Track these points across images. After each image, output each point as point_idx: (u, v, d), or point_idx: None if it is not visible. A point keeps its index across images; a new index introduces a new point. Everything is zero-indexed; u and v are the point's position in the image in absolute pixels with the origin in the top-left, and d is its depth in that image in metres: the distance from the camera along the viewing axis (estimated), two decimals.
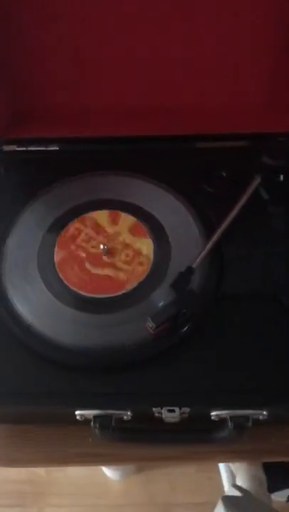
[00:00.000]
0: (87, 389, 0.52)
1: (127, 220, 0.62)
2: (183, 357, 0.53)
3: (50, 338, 0.54)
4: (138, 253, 0.59)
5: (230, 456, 0.60)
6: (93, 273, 0.58)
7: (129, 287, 0.57)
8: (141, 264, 0.58)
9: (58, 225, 0.63)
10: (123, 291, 0.57)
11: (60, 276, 0.58)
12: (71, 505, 1.23)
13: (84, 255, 0.60)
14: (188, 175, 0.66)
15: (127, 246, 0.60)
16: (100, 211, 0.63)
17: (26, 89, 0.71)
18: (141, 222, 0.62)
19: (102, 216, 0.63)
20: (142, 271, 0.58)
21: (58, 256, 0.60)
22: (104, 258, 0.60)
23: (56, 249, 0.60)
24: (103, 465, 0.60)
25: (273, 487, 0.85)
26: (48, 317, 0.56)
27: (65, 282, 0.57)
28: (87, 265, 0.59)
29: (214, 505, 1.16)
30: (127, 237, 0.61)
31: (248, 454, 0.59)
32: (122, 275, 0.58)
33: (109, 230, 0.62)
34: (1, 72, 0.68)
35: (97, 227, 0.62)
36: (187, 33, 0.65)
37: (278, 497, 0.91)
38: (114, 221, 0.62)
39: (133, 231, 0.61)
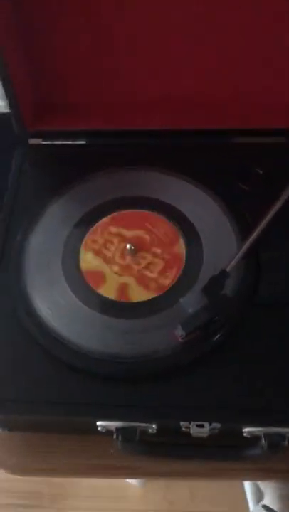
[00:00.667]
0: (111, 399, 0.49)
1: (162, 226, 0.59)
2: (214, 368, 0.50)
3: (72, 344, 0.52)
4: (166, 267, 0.56)
5: (260, 474, 0.56)
6: (113, 272, 0.56)
7: (140, 298, 0.54)
8: (165, 277, 0.55)
9: (85, 223, 0.60)
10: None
11: (81, 268, 0.56)
12: (88, 509, 1.21)
13: (113, 249, 0.58)
14: (223, 172, 0.62)
15: (157, 256, 0.57)
16: (159, 215, 0.60)
17: (53, 80, 0.68)
18: (175, 227, 0.58)
19: (162, 225, 0.60)
20: (162, 285, 0.55)
21: (89, 238, 0.58)
22: (128, 260, 0.57)
23: (91, 231, 0.58)
24: (125, 478, 0.57)
25: None
26: (71, 321, 0.53)
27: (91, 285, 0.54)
28: (111, 261, 0.57)
29: None
30: (162, 251, 0.57)
31: (280, 474, 0.55)
32: (137, 286, 0.55)
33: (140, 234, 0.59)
34: (26, 62, 0.65)
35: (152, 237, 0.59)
36: (225, 21, 0.61)
37: None
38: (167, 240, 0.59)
39: (165, 236, 0.58)
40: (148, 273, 0.55)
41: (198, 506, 1.20)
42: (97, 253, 0.57)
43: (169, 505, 1.21)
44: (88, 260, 0.57)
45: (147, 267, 0.56)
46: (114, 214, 0.60)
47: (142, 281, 0.55)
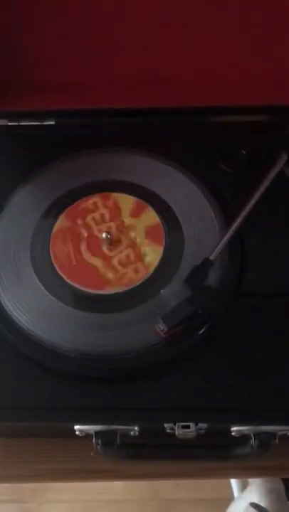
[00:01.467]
0: (88, 401, 0.46)
1: (150, 218, 0.55)
2: (199, 364, 0.47)
3: (44, 342, 0.48)
4: (139, 259, 0.52)
5: (250, 472, 0.53)
6: (83, 257, 0.52)
7: (108, 291, 0.50)
8: (136, 271, 0.51)
9: (55, 210, 0.56)
10: (116, 290, 0.50)
11: (51, 253, 0.52)
12: (71, 501, 1.20)
13: (85, 235, 0.54)
14: (203, 153, 0.58)
15: (133, 246, 0.53)
16: (127, 195, 0.56)
17: (19, 56, 0.63)
18: (163, 224, 0.54)
19: (127, 201, 0.56)
20: (131, 279, 0.51)
21: (58, 225, 0.54)
22: (104, 248, 0.53)
23: (62, 217, 0.54)
24: (109, 481, 0.54)
25: None
26: (42, 317, 0.49)
27: (58, 271, 0.51)
28: (82, 247, 0.53)
29: (218, 501, 1.14)
30: (139, 237, 0.54)
31: (270, 471, 0.52)
32: (109, 274, 0.51)
33: (126, 220, 0.55)
34: None
35: (115, 212, 0.55)
36: None
37: None
38: (135, 213, 0.55)
39: (149, 233, 0.54)
40: (125, 262, 0.52)
41: (183, 494, 1.20)
42: (69, 242, 0.53)
43: (153, 494, 1.20)
44: (59, 250, 0.53)
45: (124, 255, 0.52)
46: (87, 199, 0.56)
47: (119, 270, 0.51)
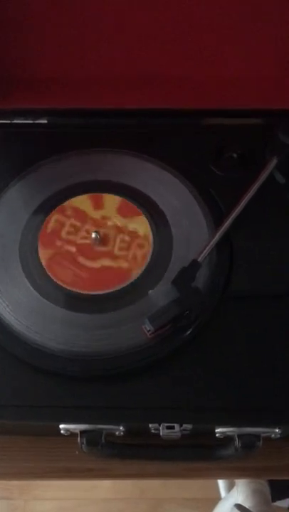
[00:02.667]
0: (73, 400, 0.46)
1: (111, 200, 0.55)
2: (185, 365, 0.47)
3: (30, 340, 0.48)
4: (134, 235, 0.52)
5: (235, 473, 0.54)
6: (90, 267, 0.52)
7: (135, 274, 0.50)
8: (141, 246, 0.52)
9: (45, 209, 0.55)
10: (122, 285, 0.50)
11: (50, 275, 0.51)
12: (58, 499, 1.19)
13: (74, 250, 0.53)
14: (194, 155, 0.58)
15: (119, 229, 0.53)
16: (79, 196, 0.56)
17: (11, 54, 0.63)
18: (127, 199, 0.55)
19: (83, 202, 0.56)
20: (143, 254, 0.51)
21: (44, 256, 0.52)
22: (98, 248, 0.53)
23: (40, 249, 0.53)
24: (95, 480, 0.54)
25: (274, 496, 0.79)
26: (30, 316, 0.49)
27: (54, 280, 0.51)
28: (81, 260, 0.52)
29: (205, 501, 1.14)
30: (117, 220, 0.54)
31: (254, 472, 0.53)
32: (123, 263, 0.51)
33: (95, 215, 0.55)
34: None
35: (82, 215, 0.55)
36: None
37: (280, 504, 0.86)
38: (97, 205, 0.55)
39: (122, 211, 0.54)
40: (114, 262, 0.52)
41: (170, 493, 1.20)
42: (59, 242, 0.53)
43: (141, 493, 1.20)
44: (49, 250, 0.53)
45: (113, 256, 0.52)
46: (78, 199, 0.56)
47: (108, 270, 0.51)
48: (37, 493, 1.20)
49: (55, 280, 0.51)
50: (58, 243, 0.53)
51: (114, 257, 0.52)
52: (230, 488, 0.90)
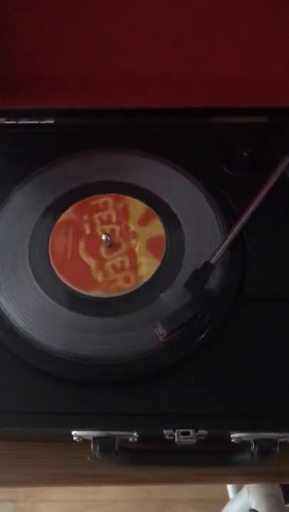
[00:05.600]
0: (86, 406, 0.45)
1: (155, 227, 0.53)
2: (199, 370, 0.46)
3: (41, 345, 0.47)
4: (133, 269, 0.51)
5: (248, 478, 0.52)
6: (79, 254, 0.51)
7: (95, 292, 0.49)
8: (126, 281, 0.50)
9: (54, 210, 0.55)
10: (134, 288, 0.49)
11: (61, 278, 0.50)
12: (65, 501, 1.19)
13: (88, 232, 0.52)
14: (205, 155, 0.58)
15: (130, 254, 0.52)
16: (89, 198, 0.55)
17: (17, 53, 0.62)
18: (138, 200, 0.54)
19: (93, 203, 0.55)
20: (119, 287, 0.50)
21: (54, 258, 0.52)
22: (101, 249, 0.52)
23: (50, 251, 0.52)
24: (106, 485, 0.53)
25: (287, 497, 0.78)
26: (39, 320, 0.48)
27: (65, 282, 0.50)
28: (81, 244, 0.52)
29: (213, 502, 1.13)
30: (129, 222, 0.53)
31: (269, 477, 0.52)
32: (99, 277, 0.50)
33: (105, 217, 0.54)
34: None
35: (92, 217, 0.54)
36: None
37: None
38: (108, 207, 0.55)
39: (133, 213, 0.54)
40: (125, 265, 0.51)
41: (177, 494, 1.19)
42: (69, 244, 0.52)
43: (148, 494, 1.19)
44: (59, 252, 0.52)
45: (124, 258, 0.52)
46: (87, 201, 0.55)
47: (109, 275, 0.51)
48: (43, 496, 1.19)
49: (65, 283, 0.50)
50: (68, 245, 0.52)
51: (126, 260, 0.51)
52: (238, 489, 0.90)
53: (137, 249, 0.52)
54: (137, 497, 1.19)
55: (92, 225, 0.54)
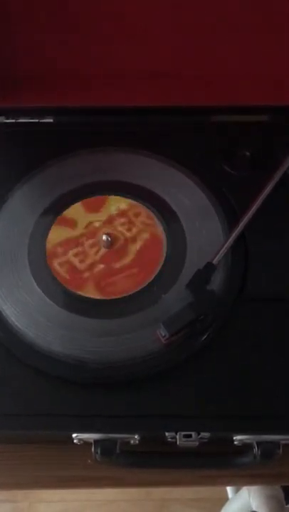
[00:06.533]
0: (87, 409, 0.44)
1: (122, 202, 0.54)
2: (201, 371, 0.45)
3: (41, 347, 0.46)
4: (134, 269, 0.50)
5: (250, 480, 0.52)
6: (78, 256, 0.51)
7: (148, 278, 0.49)
8: (127, 282, 0.49)
9: (54, 210, 0.54)
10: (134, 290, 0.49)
11: (60, 280, 0.50)
12: (63, 501, 1.19)
13: (84, 253, 0.52)
14: (206, 154, 0.57)
15: (131, 231, 0.52)
16: (88, 198, 0.55)
17: (16, 51, 0.61)
18: (138, 200, 0.54)
19: (93, 203, 0.55)
20: (156, 257, 0.50)
21: (53, 260, 0.51)
22: (109, 251, 0.52)
23: (49, 252, 0.52)
24: (107, 488, 0.53)
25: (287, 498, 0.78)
26: (39, 322, 0.48)
27: (65, 284, 0.49)
28: (92, 263, 0.51)
29: (212, 501, 1.13)
30: (129, 222, 0.53)
31: (270, 479, 0.51)
32: (135, 266, 0.50)
33: (105, 217, 0.54)
34: None
35: (92, 217, 0.54)
36: None
37: None
38: (107, 207, 0.54)
39: (134, 213, 0.54)
40: (126, 265, 0.51)
41: (176, 494, 1.19)
42: (69, 245, 0.52)
43: (146, 494, 1.19)
44: (58, 253, 0.51)
45: (124, 259, 0.51)
46: (87, 201, 0.55)
47: (119, 274, 0.50)
48: (42, 496, 1.19)
49: (65, 285, 0.49)
50: (68, 246, 0.52)
51: (126, 260, 0.51)
52: (237, 489, 0.89)
53: (137, 250, 0.51)
54: (136, 497, 1.19)
55: (92, 226, 0.53)
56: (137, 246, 0.52)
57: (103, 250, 0.52)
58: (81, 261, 0.51)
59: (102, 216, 0.54)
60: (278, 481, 0.57)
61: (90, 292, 0.49)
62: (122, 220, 0.53)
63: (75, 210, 0.54)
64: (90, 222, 0.53)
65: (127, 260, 0.51)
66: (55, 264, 0.51)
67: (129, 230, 0.53)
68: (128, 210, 0.54)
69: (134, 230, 0.52)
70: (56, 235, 0.52)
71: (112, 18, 0.59)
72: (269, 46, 0.61)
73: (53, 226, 0.53)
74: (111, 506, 1.16)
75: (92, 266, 0.51)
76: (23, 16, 0.58)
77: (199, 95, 0.61)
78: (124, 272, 0.50)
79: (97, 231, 0.53)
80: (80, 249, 0.52)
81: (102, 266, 0.51)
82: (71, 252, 0.51)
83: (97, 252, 0.51)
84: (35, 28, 0.59)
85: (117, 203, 0.54)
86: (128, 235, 0.52)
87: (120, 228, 0.53)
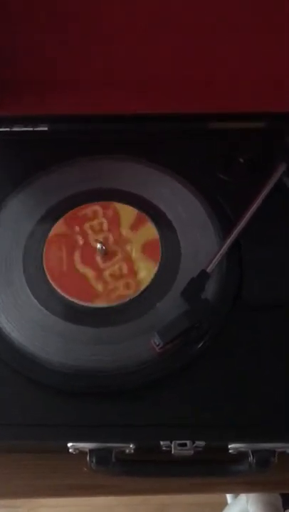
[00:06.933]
0: (82, 418, 0.44)
1: (148, 231, 0.53)
2: (196, 380, 0.45)
3: (36, 356, 0.46)
4: (132, 274, 0.50)
5: (247, 488, 0.52)
6: (75, 265, 0.51)
7: (97, 303, 0.49)
8: (127, 287, 0.49)
9: (49, 219, 0.54)
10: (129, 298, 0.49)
11: (55, 288, 0.49)
12: (62, 506, 1.18)
13: (81, 243, 0.52)
14: (200, 161, 0.57)
15: (125, 239, 0.52)
16: (84, 206, 0.54)
17: (10, 58, 0.61)
18: (133, 207, 0.54)
19: (88, 211, 0.54)
20: (150, 265, 0.50)
21: (55, 230, 0.52)
22: (97, 259, 0.51)
23: (60, 221, 0.53)
24: (102, 496, 0.53)
25: (285, 503, 0.78)
26: (33, 331, 0.48)
27: (60, 292, 0.49)
28: (76, 255, 0.51)
29: (211, 506, 1.12)
30: (123, 230, 0.53)
31: (267, 486, 0.51)
32: (99, 287, 0.50)
33: (100, 225, 0.53)
34: None
35: (86, 225, 0.53)
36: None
37: None
38: (103, 214, 0.54)
39: (128, 220, 0.53)
40: (117, 275, 0.50)
41: (174, 498, 1.19)
42: (64, 253, 0.52)
43: (144, 499, 1.19)
44: (53, 261, 0.51)
45: (116, 268, 0.51)
46: (81, 209, 0.55)
47: (109, 284, 0.50)
48: (41, 501, 1.19)
49: (60, 293, 0.49)
50: (63, 255, 0.52)
51: (120, 269, 0.51)
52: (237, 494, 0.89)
53: (132, 256, 0.51)
54: (135, 502, 1.19)
55: (86, 234, 0.53)
56: (131, 254, 0.51)
57: (98, 258, 0.51)
58: (76, 269, 0.51)
59: (97, 224, 0.54)
60: (277, 489, 0.57)
61: (84, 300, 0.49)
62: (118, 227, 0.53)
63: (67, 221, 0.54)
64: (85, 231, 0.53)
65: (121, 268, 0.51)
66: (51, 273, 0.50)
67: (123, 237, 0.52)
68: (124, 218, 0.54)
69: (129, 238, 0.52)
70: (50, 247, 0.52)
71: (108, 25, 0.59)
72: (267, 53, 0.61)
73: (48, 235, 0.53)
74: (111, 511, 1.16)
75: (87, 274, 0.51)
76: (16, 27, 0.58)
77: (196, 102, 0.61)
78: (118, 280, 0.50)
79: (93, 239, 0.53)
80: (75, 257, 0.52)
81: (96, 274, 0.51)
82: (66, 263, 0.51)
83: (93, 260, 0.51)
84: (28, 38, 0.59)
85: (113, 210, 0.54)
86: (123, 242, 0.52)
87: (115, 235, 0.53)
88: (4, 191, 0.56)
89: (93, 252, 0.52)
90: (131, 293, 0.49)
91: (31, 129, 0.61)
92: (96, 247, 0.51)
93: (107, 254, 0.51)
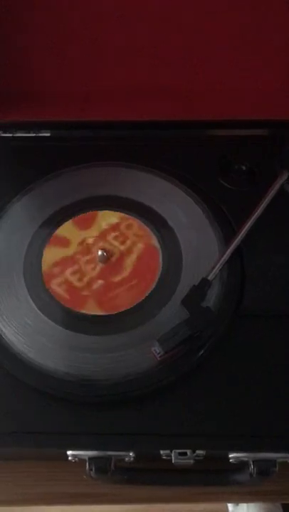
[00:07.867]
0: (81, 426, 0.44)
1: (118, 217, 0.54)
2: (197, 389, 0.45)
3: (37, 365, 0.46)
4: (133, 282, 0.50)
5: (248, 497, 0.51)
6: (96, 287, 0.50)
7: (97, 311, 0.48)
8: (128, 295, 0.49)
9: (50, 225, 0.54)
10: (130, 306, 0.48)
11: (55, 296, 0.49)
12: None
13: (81, 250, 0.52)
14: (202, 168, 0.57)
15: (127, 247, 0.52)
16: (129, 213, 0.54)
17: (13, 67, 0.62)
18: (134, 215, 0.54)
19: (89, 218, 0.54)
20: (151, 273, 0.50)
21: (49, 276, 0.51)
22: (98, 266, 0.51)
23: (45, 268, 0.51)
24: (101, 505, 0.52)
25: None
26: (34, 338, 0.47)
27: (60, 301, 0.49)
28: (87, 280, 0.51)
29: None
30: (124, 237, 0.53)
31: (268, 496, 0.51)
32: (100, 294, 0.49)
33: (102, 233, 0.53)
34: None
35: (88, 233, 0.54)
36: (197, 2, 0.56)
37: None
38: (104, 222, 0.54)
39: (129, 228, 0.53)
40: (121, 282, 0.50)
41: (176, 506, 1.16)
42: (65, 260, 0.52)
43: (146, 506, 1.17)
44: (54, 269, 0.51)
45: (120, 275, 0.51)
46: (83, 215, 0.54)
47: (114, 290, 0.50)
48: (38, 508, 1.17)
49: (60, 301, 0.49)
50: (64, 262, 0.51)
51: (122, 277, 0.50)
52: None
53: (133, 264, 0.51)
54: (136, 508, 1.17)
55: (85, 242, 0.53)
56: (133, 262, 0.51)
57: (99, 266, 0.51)
58: (77, 277, 0.51)
59: (98, 231, 0.53)
60: (278, 499, 0.56)
61: (85, 308, 0.49)
62: (119, 235, 0.53)
63: (72, 225, 0.54)
64: (84, 239, 0.53)
65: (122, 276, 0.50)
66: (51, 281, 0.50)
67: (125, 244, 0.52)
68: (125, 225, 0.54)
69: (132, 246, 0.52)
70: (53, 250, 0.52)
71: (109, 33, 0.59)
72: (266, 62, 0.61)
73: (49, 241, 0.53)
74: None
75: (87, 282, 0.50)
76: (17, 35, 0.58)
77: (197, 110, 0.61)
78: (119, 288, 0.50)
79: (94, 247, 0.52)
80: (76, 265, 0.51)
81: (97, 282, 0.50)
82: (67, 268, 0.51)
83: (94, 268, 0.51)
84: (32, 45, 0.60)
85: (114, 218, 0.54)
86: (124, 250, 0.52)
87: (116, 243, 0.52)
88: (6, 197, 0.56)
89: (94, 259, 0.51)
90: (132, 301, 0.49)
91: (34, 134, 0.62)
92: (97, 255, 0.51)
93: (108, 262, 0.51)
